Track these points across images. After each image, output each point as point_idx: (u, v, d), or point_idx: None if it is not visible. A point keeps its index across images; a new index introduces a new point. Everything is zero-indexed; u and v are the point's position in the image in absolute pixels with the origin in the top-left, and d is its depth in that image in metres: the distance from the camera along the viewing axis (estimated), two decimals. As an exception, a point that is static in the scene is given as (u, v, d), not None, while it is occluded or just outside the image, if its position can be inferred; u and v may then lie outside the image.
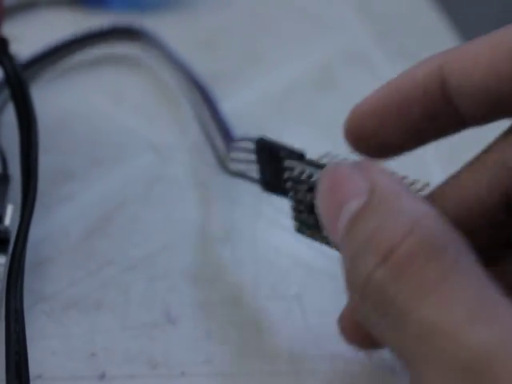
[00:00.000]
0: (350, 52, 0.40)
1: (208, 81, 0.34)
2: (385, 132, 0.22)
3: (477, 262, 0.17)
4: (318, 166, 0.22)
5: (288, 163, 0.23)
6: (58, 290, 0.26)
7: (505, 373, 0.15)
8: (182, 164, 0.32)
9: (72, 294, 0.26)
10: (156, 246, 0.29)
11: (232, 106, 0.34)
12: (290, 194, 0.23)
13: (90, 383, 0.24)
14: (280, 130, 0.30)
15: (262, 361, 0.25)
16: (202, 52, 0.38)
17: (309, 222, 0.23)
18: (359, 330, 0.22)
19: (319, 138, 0.34)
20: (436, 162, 0.33)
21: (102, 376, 0.24)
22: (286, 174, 0.23)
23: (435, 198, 0.21)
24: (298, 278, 0.28)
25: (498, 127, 0.21)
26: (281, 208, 0.30)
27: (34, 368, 0.23)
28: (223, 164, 0.30)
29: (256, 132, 0.26)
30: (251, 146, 0.26)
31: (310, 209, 0.22)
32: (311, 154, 0.23)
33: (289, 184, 0.23)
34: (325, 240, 0.23)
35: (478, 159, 0.21)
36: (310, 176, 0.22)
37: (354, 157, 0.21)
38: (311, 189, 0.22)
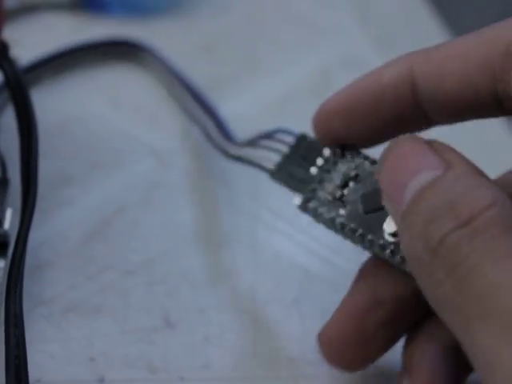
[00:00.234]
0: (348, 57, 0.40)
1: (207, 86, 0.35)
2: (351, 131, 0.23)
3: None
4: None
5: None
6: (58, 294, 0.26)
7: None
8: (181, 169, 0.32)
9: (71, 298, 0.26)
10: (155, 250, 0.29)
11: (231, 110, 0.34)
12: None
13: (89, 387, 0.24)
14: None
15: (261, 366, 0.25)
16: (200, 57, 0.38)
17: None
18: (344, 346, 0.23)
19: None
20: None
21: (101, 380, 0.24)
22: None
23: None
24: (296, 282, 0.28)
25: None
26: (279, 213, 0.30)
27: (33, 372, 0.23)
28: (224, 150, 0.30)
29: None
30: (290, 139, 0.25)
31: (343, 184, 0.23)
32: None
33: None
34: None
35: None
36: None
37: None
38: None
